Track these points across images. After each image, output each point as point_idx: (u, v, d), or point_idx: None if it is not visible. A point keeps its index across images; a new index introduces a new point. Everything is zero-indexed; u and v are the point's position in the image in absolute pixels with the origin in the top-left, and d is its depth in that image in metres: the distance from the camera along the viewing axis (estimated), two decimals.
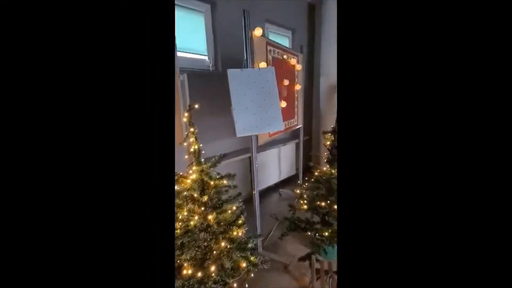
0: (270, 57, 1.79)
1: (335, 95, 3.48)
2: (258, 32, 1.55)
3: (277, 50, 1.89)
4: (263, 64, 1.62)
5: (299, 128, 2.76)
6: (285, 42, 3.45)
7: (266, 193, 3.19)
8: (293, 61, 2.18)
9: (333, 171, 1.84)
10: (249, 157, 3.01)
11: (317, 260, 1.59)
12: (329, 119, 3.51)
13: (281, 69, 2.02)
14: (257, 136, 1.71)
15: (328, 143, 1.81)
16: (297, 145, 3.53)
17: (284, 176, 3.38)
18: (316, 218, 1.87)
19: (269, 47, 1.77)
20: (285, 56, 2.01)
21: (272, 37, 3.19)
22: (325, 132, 1.81)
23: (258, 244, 1.89)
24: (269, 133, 1.90)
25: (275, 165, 3.22)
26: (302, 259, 1.67)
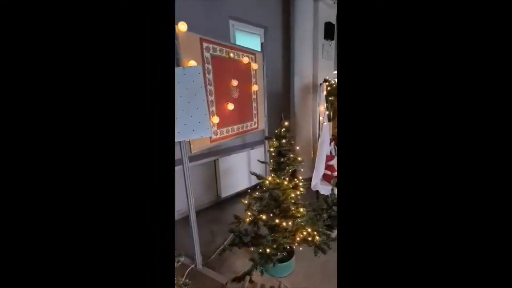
0: (207, 55, 1.63)
1: (310, 96, 3.30)
2: (182, 27, 1.39)
3: (219, 48, 1.73)
4: (192, 63, 1.46)
5: (263, 131, 2.58)
6: (256, 41, 3.28)
7: (234, 199, 3.02)
8: (245, 59, 2.01)
9: (278, 180, 1.67)
10: (214, 161, 2.86)
11: (251, 281, 1.42)
12: (304, 121, 3.34)
13: (228, 68, 1.85)
14: (189, 142, 1.54)
15: (272, 149, 1.64)
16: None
17: (255, 181, 3.20)
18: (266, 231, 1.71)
19: (205, 44, 1.61)
20: (232, 54, 1.85)
21: (240, 36, 3.03)
22: (267, 138, 1.64)
23: (197, 261, 1.72)
24: (210, 138, 1.74)
25: (244, 170, 3.05)
26: (237, 279, 1.50)
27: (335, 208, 2.03)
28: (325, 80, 2.21)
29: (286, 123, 1.60)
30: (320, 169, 2.32)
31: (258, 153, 3.15)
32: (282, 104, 3.61)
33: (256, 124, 2.35)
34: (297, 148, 1.95)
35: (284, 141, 1.66)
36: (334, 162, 2.49)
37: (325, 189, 2.34)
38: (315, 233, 1.64)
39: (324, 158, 2.33)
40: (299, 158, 1.71)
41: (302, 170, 2.67)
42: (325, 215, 1.96)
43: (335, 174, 2.44)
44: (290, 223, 1.60)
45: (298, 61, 3.24)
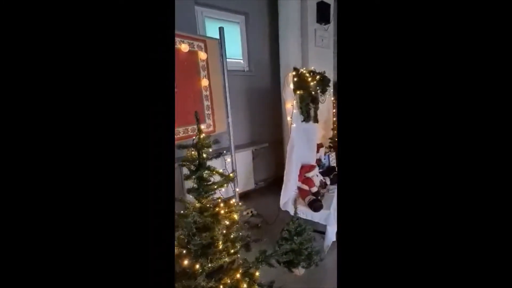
0: None
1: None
2: None
3: None
4: None
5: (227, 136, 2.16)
6: (235, 30, 2.86)
7: None
8: (184, 47, 1.61)
9: (197, 204, 1.24)
10: (179, 165, 2.52)
11: None
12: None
13: None
14: None
15: (187, 163, 1.22)
16: (254, 153, 2.93)
17: (231, 193, 2.79)
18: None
19: None
20: None
21: (212, 25, 2.64)
22: (183, 147, 1.22)
23: None
24: None
25: (217, 179, 2.64)
26: None
27: (298, 238, 1.54)
28: (295, 69, 1.71)
29: (203, 126, 1.16)
30: (289, 184, 1.82)
31: (241, 158, 2.71)
32: (271, 103, 3.15)
33: (212, 127, 1.94)
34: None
35: (211, 149, 1.24)
36: (313, 174, 1.97)
37: (299, 210, 1.84)
38: (247, 279, 1.18)
39: (295, 170, 1.83)
40: (231, 174, 1.27)
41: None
42: (282, 248, 1.48)
43: (314, 189, 1.92)
44: (210, 264, 1.17)
45: (283, 52, 2.75)
